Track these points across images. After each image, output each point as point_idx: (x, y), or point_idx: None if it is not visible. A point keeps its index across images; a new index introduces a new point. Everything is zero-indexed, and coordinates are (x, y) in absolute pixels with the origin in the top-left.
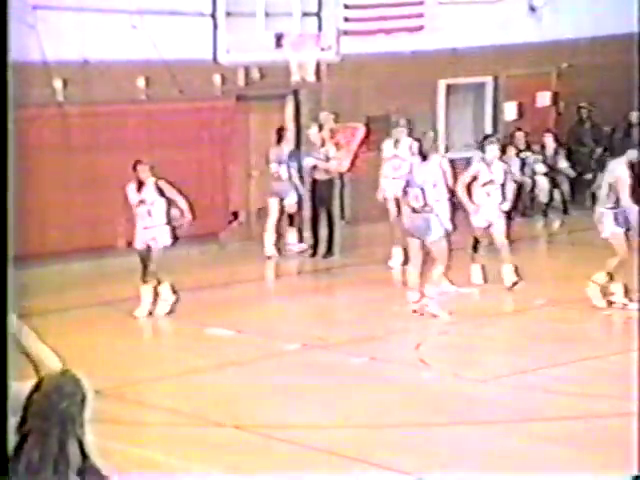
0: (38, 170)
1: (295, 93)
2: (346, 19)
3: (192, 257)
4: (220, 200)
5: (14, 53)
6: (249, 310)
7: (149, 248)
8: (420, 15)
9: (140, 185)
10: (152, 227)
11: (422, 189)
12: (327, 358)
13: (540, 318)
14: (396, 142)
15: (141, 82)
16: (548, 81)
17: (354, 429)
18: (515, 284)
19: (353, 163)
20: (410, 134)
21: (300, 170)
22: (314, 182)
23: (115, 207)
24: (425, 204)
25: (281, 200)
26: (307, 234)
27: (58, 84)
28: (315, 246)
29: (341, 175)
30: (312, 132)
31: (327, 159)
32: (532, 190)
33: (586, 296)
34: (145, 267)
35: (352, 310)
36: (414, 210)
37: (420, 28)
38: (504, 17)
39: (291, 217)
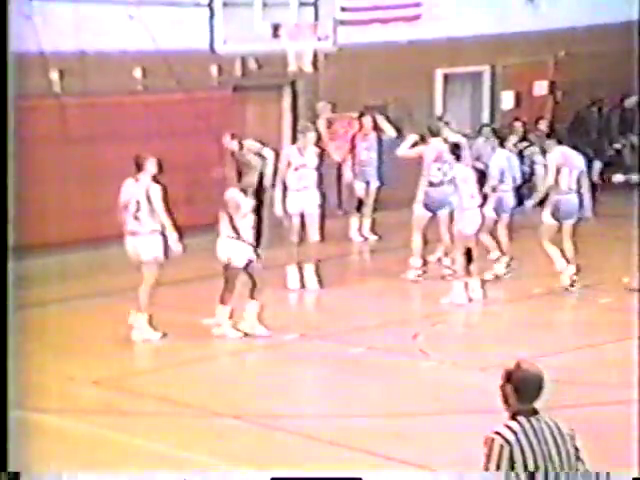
0: (35, 161)
1: (292, 83)
2: (343, 9)
3: (189, 248)
4: (217, 191)
5: (11, 44)
6: (245, 301)
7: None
8: (417, 4)
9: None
10: (248, 241)
11: (451, 165)
12: (325, 348)
13: (538, 307)
14: (302, 149)
15: (138, 73)
16: (545, 70)
17: (353, 419)
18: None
19: (352, 152)
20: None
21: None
22: None
23: (113, 198)
24: (451, 179)
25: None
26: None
27: (55, 75)
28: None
29: (339, 165)
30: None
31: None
32: (529, 180)
33: (584, 283)
34: (230, 284)
35: (349, 300)
36: (435, 184)
37: (417, 17)
38: (501, 6)
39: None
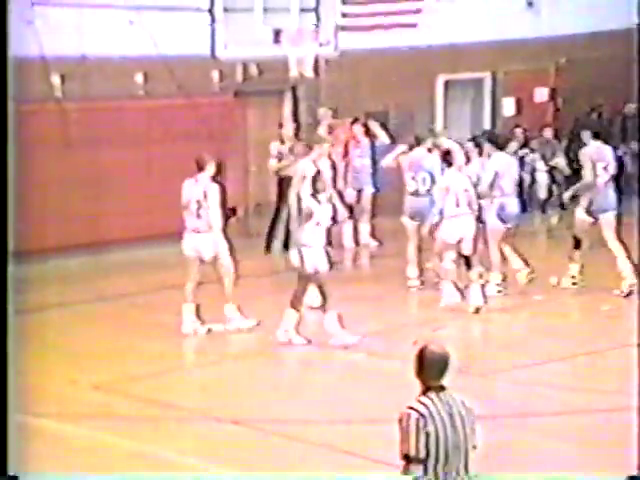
0: (36, 166)
1: (293, 89)
2: (344, 14)
3: None
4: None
5: (12, 48)
6: (247, 305)
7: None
8: (418, 10)
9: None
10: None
11: (431, 174)
12: (325, 353)
13: (538, 313)
14: (317, 161)
15: (139, 78)
16: (546, 76)
17: (352, 425)
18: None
19: (345, 159)
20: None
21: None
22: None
23: (114, 202)
24: (430, 189)
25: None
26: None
27: (56, 80)
28: None
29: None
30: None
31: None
32: (531, 186)
33: (584, 290)
34: (302, 292)
35: (348, 306)
36: (411, 193)
37: (418, 24)
38: (502, 12)
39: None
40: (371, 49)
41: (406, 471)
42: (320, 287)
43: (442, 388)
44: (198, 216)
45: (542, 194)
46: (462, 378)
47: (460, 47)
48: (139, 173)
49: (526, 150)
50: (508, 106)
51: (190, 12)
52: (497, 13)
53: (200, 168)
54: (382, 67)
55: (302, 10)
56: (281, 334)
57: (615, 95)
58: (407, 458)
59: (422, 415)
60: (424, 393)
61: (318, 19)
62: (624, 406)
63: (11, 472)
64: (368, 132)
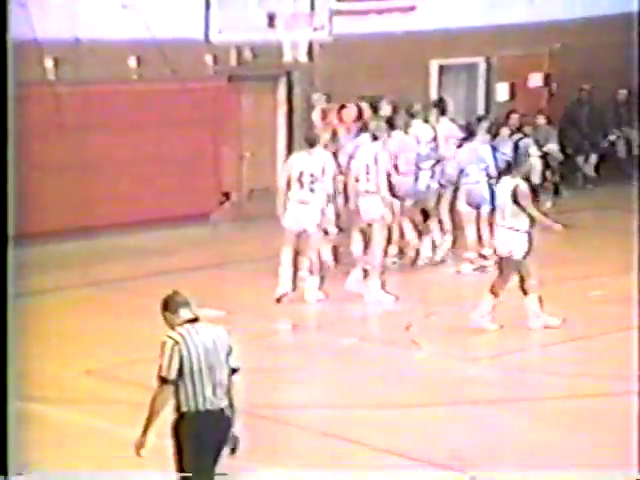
0: (29, 149)
1: (288, 74)
2: None
3: (183, 237)
4: (212, 181)
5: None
6: (240, 290)
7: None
8: None
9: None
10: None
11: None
12: (318, 339)
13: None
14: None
15: (132, 62)
16: (540, 62)
17: (345, 409)
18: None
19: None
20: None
21: None
22: None
23: (107, 186)
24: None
25: None
26: None
27: (49, 63)
28: None
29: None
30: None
31: None
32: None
33: (577, 276)
34: (505, 276)
35: (342, 290)
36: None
37: (412, 8)
38: None
39: None
40: (365, 34)
41: (159, 390)
42: (522, 270)
43: (196, 320)
44: (311, 190)
45: (536, 179)
46: (454, 364)
47: (454, 32)
48: (132, 157)
49: (520, 135)
50: (502, 91)
51: None
52: None
53: (311, 144)
54: (376, 52)
55: None
56: (476, 319)
57: (609, 80)
58: (161, 379)
59: (177, 342)
60: (180, 325)
61: (312, 3)
62: (620, 391)
63: (10, 457)
64: (360, 117)
